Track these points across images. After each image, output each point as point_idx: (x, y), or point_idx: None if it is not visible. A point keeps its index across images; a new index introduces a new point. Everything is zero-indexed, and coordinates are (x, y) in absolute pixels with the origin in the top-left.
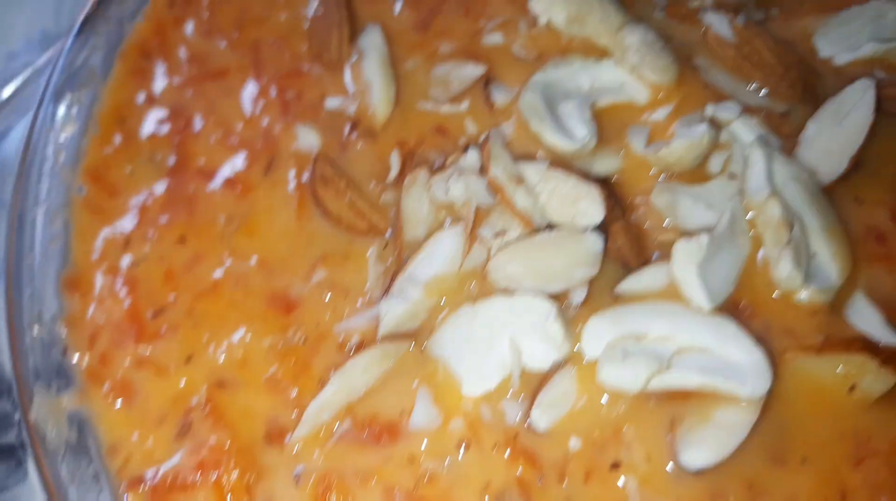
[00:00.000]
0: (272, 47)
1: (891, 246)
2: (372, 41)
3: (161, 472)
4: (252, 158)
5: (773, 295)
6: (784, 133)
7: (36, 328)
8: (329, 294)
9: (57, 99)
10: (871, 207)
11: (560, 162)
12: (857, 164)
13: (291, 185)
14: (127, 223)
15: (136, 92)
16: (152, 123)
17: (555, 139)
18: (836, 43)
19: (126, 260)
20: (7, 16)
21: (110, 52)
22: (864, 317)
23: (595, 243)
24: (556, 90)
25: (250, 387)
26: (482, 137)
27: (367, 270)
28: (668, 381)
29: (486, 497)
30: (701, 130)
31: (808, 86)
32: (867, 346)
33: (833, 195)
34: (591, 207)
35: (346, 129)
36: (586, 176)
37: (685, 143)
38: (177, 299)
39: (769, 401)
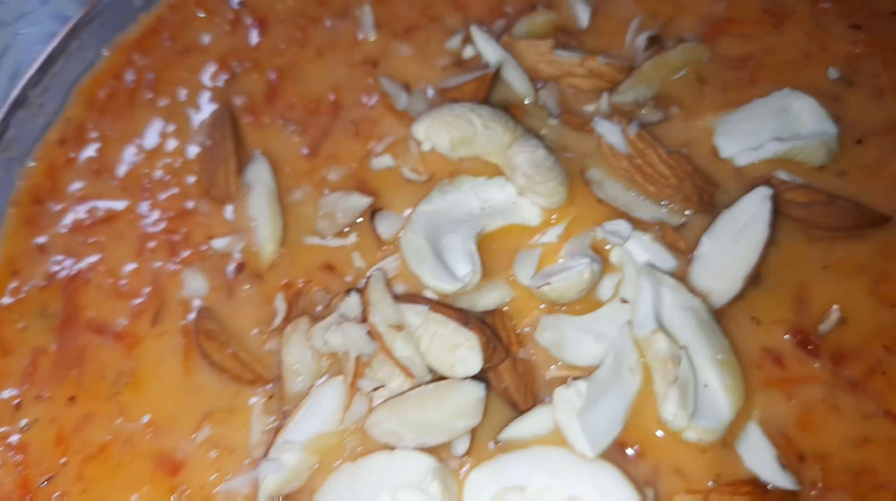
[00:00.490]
0: (161, 184)
1: (789, 368)
2: (258, 174)
3: None
4: (140, 308)
5: (661, 434)
6: (680, 249)
7: None
8: (215, 453)
9: None
10: (769, 326)
11: (442, 302)
12: (756, 278)
13: (179, 336)
14: (18, 385)
15: (29, 240)
16: (43, 272)
17: (434, 282)
18: (737, 142)
19: (19, 425)
20: None
21: (1, 200)
22: (756, 453)
23: (474, 392)
24: (441, 221)
25: None
26: (365, 278)
27: (252, 425)
28: None
29: None
30: (581, 267)
31: (705, 196)
32: (755, 489)
33: (728, 317)
34: (469, 355)
35: (233, 271)
36: (466, 320)
37: (565, 281)
38: (67, 463)
39: None
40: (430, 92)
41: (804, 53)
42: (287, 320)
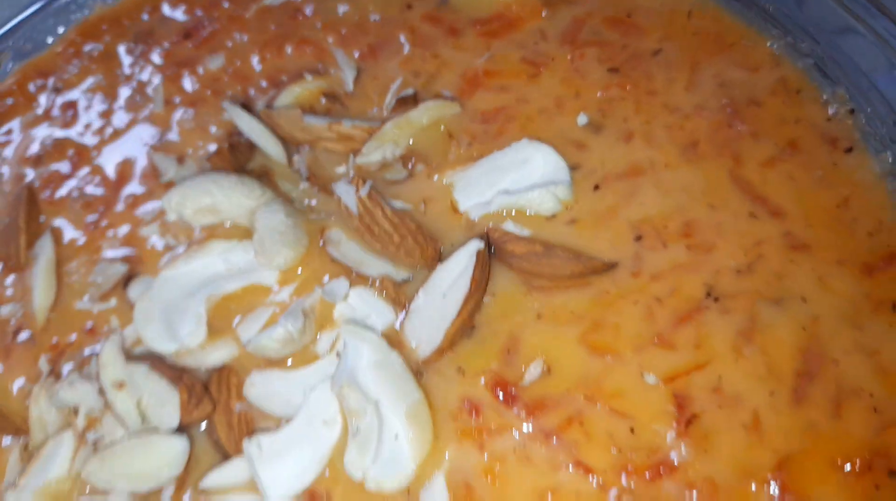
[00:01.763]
0: None
1: (485, 418)
2: (43, 246)
3: None
4: None
5: (350, 482)
6: (400, 303)
7: None
8: None
9: None
10: (472, 377)
11: (165, 361)
12: (470, 330)
13: None
14: None
15: None
16: None
17: (154, 342)
18: (472, 196)
19: None
20: None
21: None
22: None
23: (177, 445)
24: (183, 284)
25: None
26: (102, 343)
27: (7, 470)
28: None
29: None
30: (278, 328)
31: (428, 251)
32: None
33: (436, 369)
34: (171, 411)
35: (11, 334)
36: (180, 378)
37: (264, 340)
38: None
39: None
40: (204, 162)
41: (557, 102)
42: (51, 377)
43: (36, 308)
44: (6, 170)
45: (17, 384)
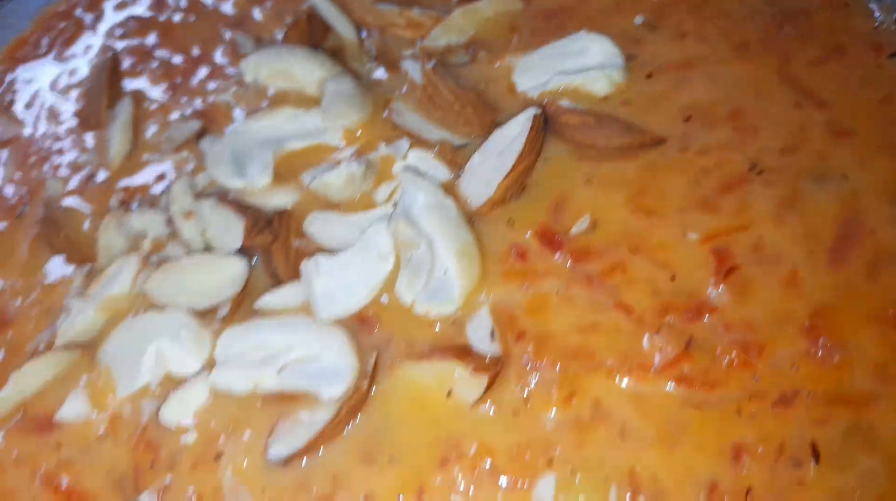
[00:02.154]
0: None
1: (530, 263)
2: (123, 107)
3: None
4: (15, 204)
5: (398, 307)
6: (457, 164)
7: None
8: (36, 310)
9: None
10: (521, 227)
11: (232, 198)
12: (522, 189)
13: (35, 229)
14: None
15: None
16: None
17: (223, 178)
18: (531, 78)
19: None
20: None
21: None
22: (478, 330)
23: (238, 265)
24: (252, 138)
25: None
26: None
27: (70, 292)
28: (272, 385)
29: (123, 489)
30: (343, 167)
31: (485, 120)
32: (464, 354)
33: (487, 219)
34: (235, 235)
35: (85, 178)
36: (244, 209)
37: (329, 177)
38: None
39: (370, 403)
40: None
41: (616, 2)
42: (121, 209)
43: (112, 157)
44: (97, 42)
45: (88, 219)
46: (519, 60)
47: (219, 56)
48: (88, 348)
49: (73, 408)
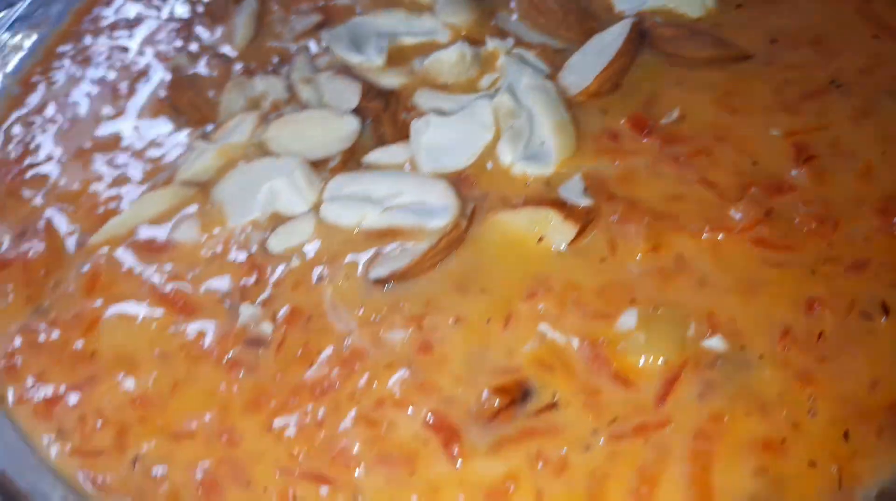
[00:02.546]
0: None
1: (621, 143)
2: (249, 3)
3: None
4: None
5: (496, 169)
6: (556, 64)
7: None
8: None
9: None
10: (614, 116)
11: (350, 71)
12: (615, 86)
13: (161, 92)
14: None
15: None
16: None
17: (342, 53)
18: (630, 1)
19: None
20: None
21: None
22: (571, 189)
23: (351, 123)
24: (367, 27)
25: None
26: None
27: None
28: (377, 221)
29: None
30: (457, 48)
31: (585, 28)
32: (557, 204)
33: (582, 108)
34: (352, 96)
35: (211, 55)
36: (358, 79)
37: (437, 58)
38: None
39: (464, 244)
40: None
41: None
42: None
43: (237, 41)
44: None
45: (212, 88)
46: None
47: None
48: (204, 187)
49: (185, 232)
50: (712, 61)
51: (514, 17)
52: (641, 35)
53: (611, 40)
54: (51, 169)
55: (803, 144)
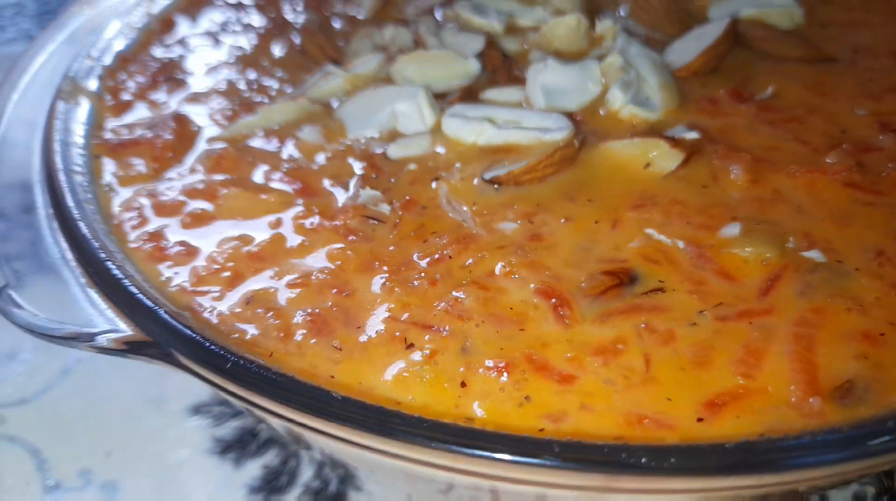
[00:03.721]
0: None
1: (720, 107)
2: None
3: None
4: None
5: (606, 114)
6: (659, 50)
7: None
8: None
9: None
10: (713, 88)
11: (471, 28)
12: (714, 69)
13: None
14: None
15: None
16: None
17: (472, 17)
18: (725, 7)
19: None
20: None
21: None
22: (676, 130)
23: (473, 64)
24: (488, 3)
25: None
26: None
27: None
28: (495, 136)
29: (331, 183)
30: (574, 15)
31: (686, 25)
32: (665, 137)
33: (684, 80)
34: (476, 43)
35: (342, 18)
36: (478, 31)
37: (553, 24)
38: None
39: (574, 164)
40: None
41: None
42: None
43: (365, 12)
44: None
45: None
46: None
47: None
48: (328, 107)
49: (309, 134)
50: (801, 59)
51: (621, 13)
52: (737, 34)
53: (711, 30)
54: (187, 78)
55: (887, 122)
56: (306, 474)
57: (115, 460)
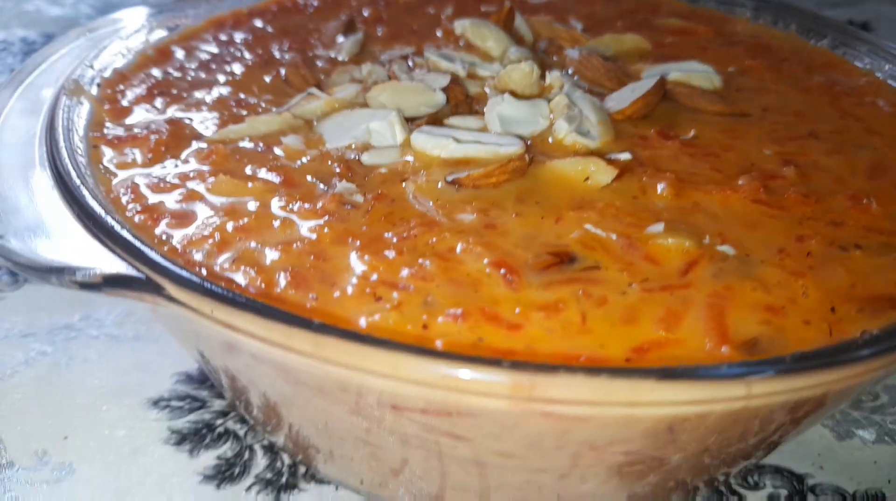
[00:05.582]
0: None
1: (649, 142)
2: (355, 36)
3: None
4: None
5: (553, 142)
6: (600, 99)
7: None
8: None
9: None
10: (644, 128)
11: (438, 70)
12: (646, 116)
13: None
14: None
15: None
16: None
17: (439, 61)
18: (657, 71)
19: None
20: None
21: None
22: (612, 154)
23: (440, 95)
24: (452, 55)
25: None
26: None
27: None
28: (457, 151)
29: (311, 178)
30: (529, 63)
31: (623, 82)
32: (601, 156)
33: (620, 123)
34: (442, 80)
35: (323, 60)
36: (444, 73)
37: (516, 67)
38: None
39: (524, 177)
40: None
41: (716, 56)
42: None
43: (344, 56)
44: None
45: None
46: (647, 66)
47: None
48: (310, 122)
49: (292, 141)
50: (719, 113)
51: (569, 72)
52: (665, 90)
53: (644, 84)
54: (182, 93)
55: (790, 159)
56: (260, 465)
57: (71, 444)
